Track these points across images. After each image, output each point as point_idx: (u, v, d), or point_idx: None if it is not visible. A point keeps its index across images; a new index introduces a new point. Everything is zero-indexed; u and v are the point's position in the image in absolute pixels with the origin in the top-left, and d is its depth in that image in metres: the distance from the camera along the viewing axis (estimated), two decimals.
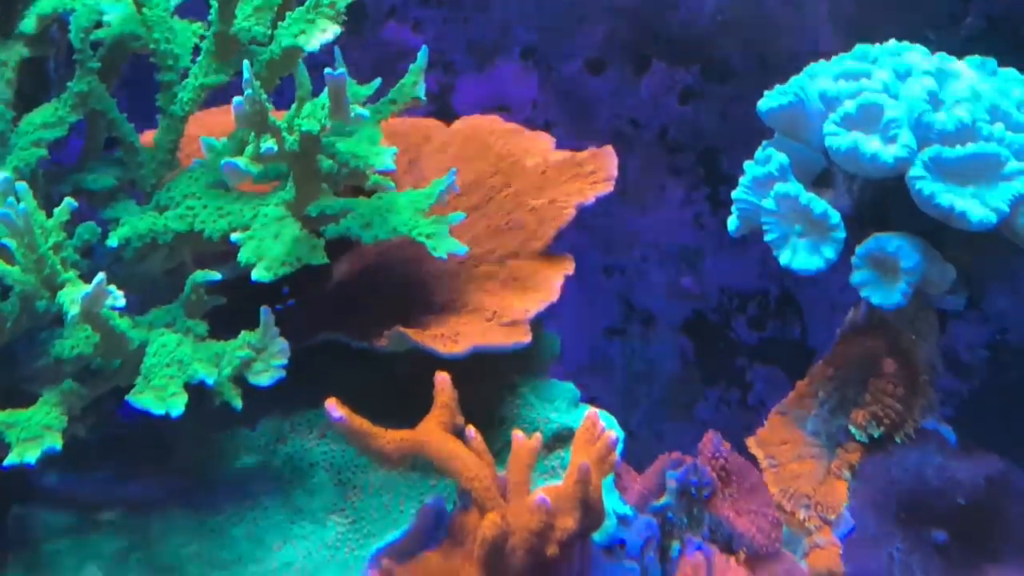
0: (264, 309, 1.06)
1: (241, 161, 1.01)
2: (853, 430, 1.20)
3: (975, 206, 1.10)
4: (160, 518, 1.08)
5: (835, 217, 1.15)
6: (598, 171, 1.25)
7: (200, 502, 1.10)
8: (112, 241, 1.06)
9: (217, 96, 1.20)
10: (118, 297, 0.94)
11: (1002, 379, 1.57)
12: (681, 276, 1.69)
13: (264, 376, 1.05)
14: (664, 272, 1.69)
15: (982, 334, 1.58)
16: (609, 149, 1.29)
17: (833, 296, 1.63)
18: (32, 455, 0.92)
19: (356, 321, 1.20)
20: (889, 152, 1.11)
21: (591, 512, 0.95)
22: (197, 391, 1.19)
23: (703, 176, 1.66)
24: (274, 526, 1.07)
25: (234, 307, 1.13)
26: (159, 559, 1.04)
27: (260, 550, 1.05)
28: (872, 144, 1.12)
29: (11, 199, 0.94)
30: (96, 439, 1.13)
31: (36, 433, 0.93)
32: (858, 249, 1.16)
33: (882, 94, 1.15)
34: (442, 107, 1.71)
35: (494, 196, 1.33)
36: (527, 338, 1.13)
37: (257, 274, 1.03)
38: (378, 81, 1.24)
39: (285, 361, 1.07)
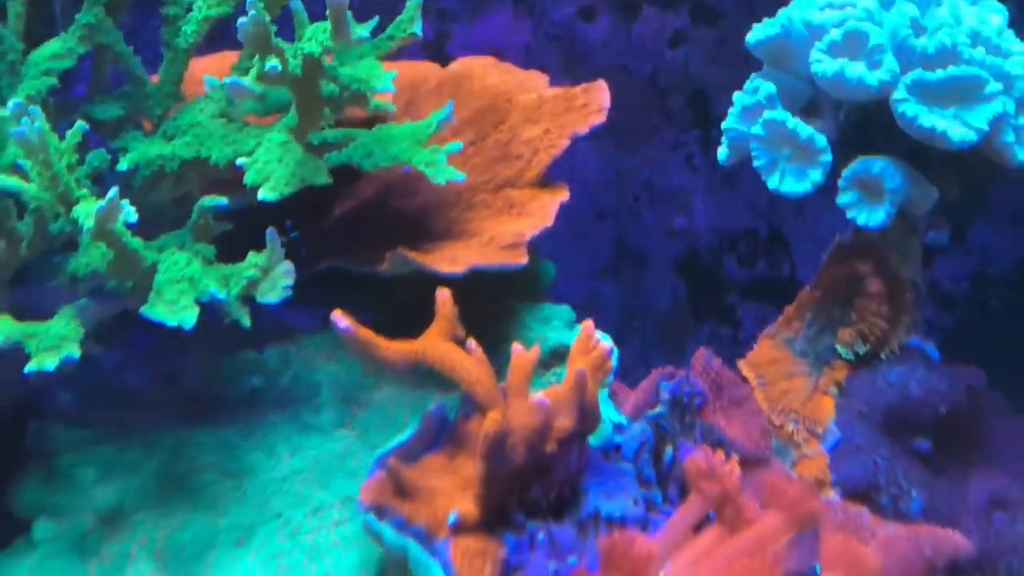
0: (270, 230, 1.09)
1: (246, 80, 1.05)
2: (839, 348, 1.24)
3: (956, 126, 1.14)
4: (171, 433, 1.12)
5: (821, 141, 1.19)
6: (591, 103, 1.29)
7: (210, 419, 1.14)
8: (122, 165, 1.09)
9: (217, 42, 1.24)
10: (131, 212, 0.97)
11: (984, 310, 1.62)
12: (673, 217, 1.73)
13: (272, 295, 1.09)
14: (656, 213, 1.73)
15: (965, 266, 1.62)
16: (601, 83, 1.33)
17: (821, 234, 1.65)
18: (51, 362, 0.95)
19: (357, 249, 1.24)
20: (874, 76, 1.15)
21: (588, 414, 1.00)
22: (203, 323, 1.24)
23: (693, 119, 1.70)
24: (283, 439, 1.11)
25: (239, 239, 1.17)
26: (171, 469, 1.08)
27: (270, 460, 1.09)
28: (857, 69, 1.16)
29: (25, 119, 0.97)
30: (109, 364, 1.18)
31: (54, 343, 0.97)
32: (844, 172, 1.20)
33: (866, 22, 1.19)
34: (436, 54, 1.74)
35: (490, 132, 1.36)
36: (524, 259, 1.17)
37: (263, 194, 1.06)
38: (375, 20, 1.27)
39: (291, 282, 1.10)
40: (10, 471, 1.08)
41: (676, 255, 1.73)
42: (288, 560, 1.01)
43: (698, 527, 0.92)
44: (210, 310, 1.15)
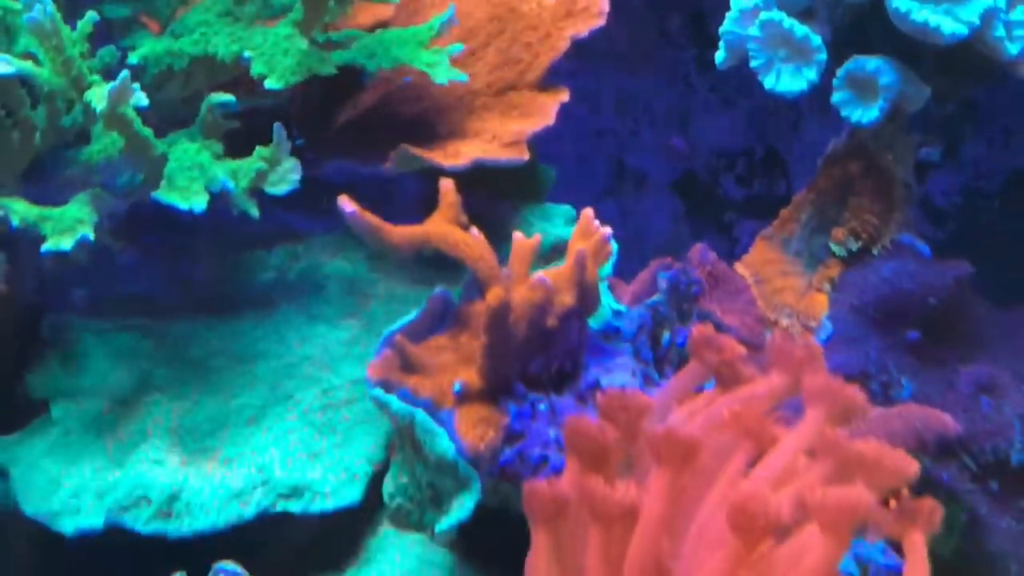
0: (277, 125, 1.12)
1: None
2: (833, 246, 1.27)
3: (947, 21, 1.16)
4: (185, 324, 1.15)
5: (816, 40, 1.21)
6: (591, 6, 1.31)
7: (222, 311, 1.17)
8: (132, 59, 1.12)
9: None
10: (141, 97, 1.00)
11: (976, 224, 1.64)
12: (671, 137, 1.75)
13: (280, 186, 1.12)
14: (654, 133, 1.75)
15: (957, 181, 1.65)
16: None
17: (817, 153, 1.69)
18: (67, 243, 0.98)
19: (362, 151, 1.27)
20: None
21: (587, 292, 1.03)
22: (214, 226, 1.27)
23: (691, 39, 1.72)
24: (293, 328, 1.15)
25: (246, 144, 1.20)
26: (185, 355, 1.12)
27: (281, 347, 1.13)
28: None
29: (38, 5, 0.99)
30: (124, 262, 1.21)
31: (69, 226, 1.00)
32: (838, 71, 1.22)
33: None
34: None
35: (491, 41, 1.38)
36: (525, 155, 1.20)
37: (270, 83, 1.09)
38: None
39: (298, 176, 1.13)
40: (27, 357, 1.11)
41: (674, 175, 1.76)
42: (299, 436, 1.04)
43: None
44: (220, 212, 1.19)
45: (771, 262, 1.32)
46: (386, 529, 1.00)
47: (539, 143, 1.31)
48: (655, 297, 1.13)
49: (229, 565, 0.83)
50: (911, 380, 1.20)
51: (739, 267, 1.32)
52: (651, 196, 1.76)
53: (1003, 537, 1.13)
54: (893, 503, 0.80)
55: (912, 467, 0.78)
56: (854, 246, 1.26)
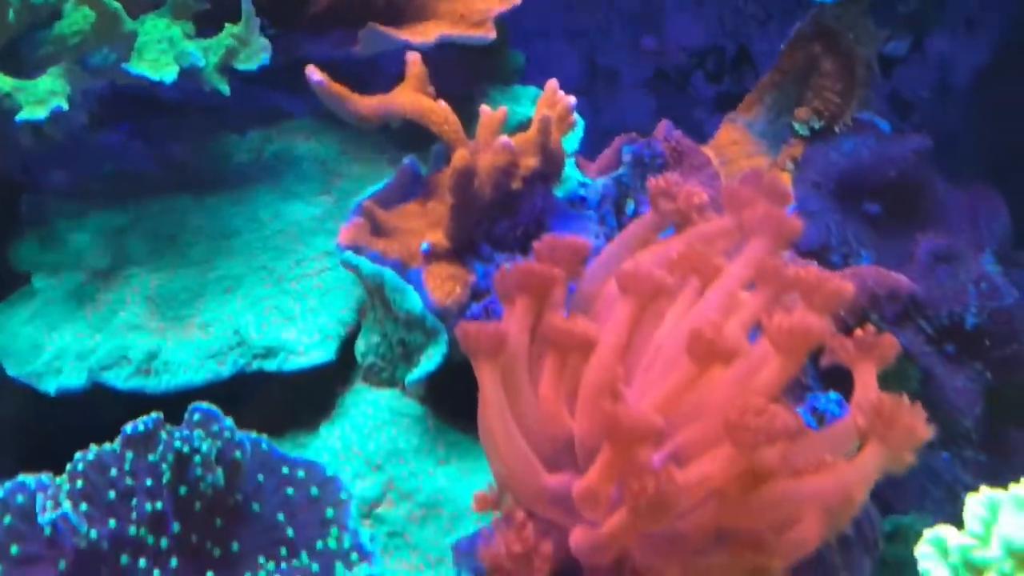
0: (245, 1, 1.14)
1: None
2: (796, 125, 1.30)
3: None
4: (160, 201, 1.17)
5: None
6: None
7: (197, 190, 1.19)
8: None
9: None
10: None
11: (943, 118, 1.67)
12: (642, 36, 1.77)
13: (250, 63, 1.13)
14: (626, 32, 1.76)
15: (924, 75, 1.67)
16: None
17: None
18: (42, 113, 1.00)
19: (333, 36, 1.28)
20: None
21: (551, 156, 1.05)
22: (186, 109, 1.29)
23: None
24: (266, 205, 1.17)
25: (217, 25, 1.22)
26: (162, 231, 1.14)
27: (255, 222, 1.15)
28: None
29: None
30: (100, 144, 1.23)
31: (43, 96, 1.02)
32: None
33: None
34: None
35: None
36: (492, 33, 1.21)
37: None
38: None
39: (268, 54, 1.15)
40: (7, 234, 1.13)
41: (646, 73, 1.77)
42: (274, 303, 1.07)
43: None
44: (195, 94, 1.21)
45: (736, 143, 1.35)
46: (359, 386, 1.04)
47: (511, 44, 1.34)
48: (620, 170, 1.16)
49: (204, 404, 0.86)
50: (871, 251, 1.23)
51: (706, 150, 1.35)
52: (624, 94, 1.78)
53: (957, 395, 1.18)
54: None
55: (849, 289, 0.81)
56: (817, 124, 1.29)
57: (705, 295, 0.82)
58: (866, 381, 0.83)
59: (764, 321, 0.78)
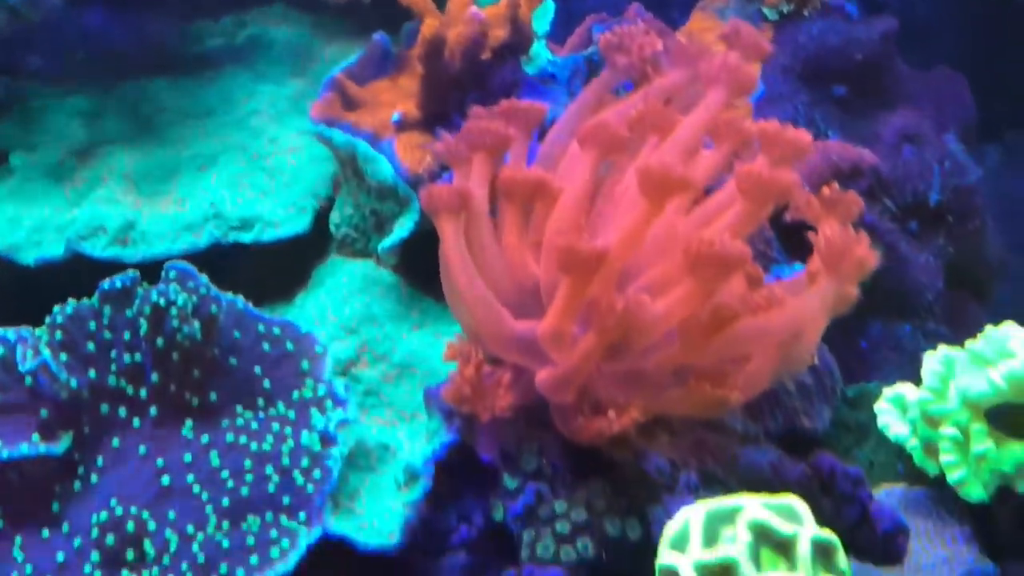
0: None
1: None
2: (765, 10, 1.31)
3: None
4: (135, 84, 1.18)
5: None
6: None
7: (172, 73, 1.20)
8: None
9: None
10: None
11: (912, 15, 1.68)
12: None
13: None
14: None
15: None
16: None
17: None
18: None
19: None
20: None
21: (521, 29, 1.07)
22: None
23: None
24: (240, 86, 1.18)
25: None
26: (137, 113, 1.15)
27: (229, 104, 1.16)
28: None
29: None
30: (72, 23, 1.23)
31: None
32: None
33: None
34: None
35: None
36: None
37: None
38: None
39: None
40: None
41: None
42: (249, 179, 1.09)
43: None
44: None
45: (708, 30, 1.36)
46: (334, 258, 1.06)
47: None
48: (590, 49, 1.17)
49: (180, 263, 0.88)
50: (837, 132, 1.25)
51: (679, 36, 1.36)
52: None
53: (920, 271, 1.21)
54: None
55: (807, 139, 0.83)
56: (786, 8, 1.30)
57: (662, 146, 0.84)
58: (827, 232, 0.85)
59: (735, 167, 0.80)
